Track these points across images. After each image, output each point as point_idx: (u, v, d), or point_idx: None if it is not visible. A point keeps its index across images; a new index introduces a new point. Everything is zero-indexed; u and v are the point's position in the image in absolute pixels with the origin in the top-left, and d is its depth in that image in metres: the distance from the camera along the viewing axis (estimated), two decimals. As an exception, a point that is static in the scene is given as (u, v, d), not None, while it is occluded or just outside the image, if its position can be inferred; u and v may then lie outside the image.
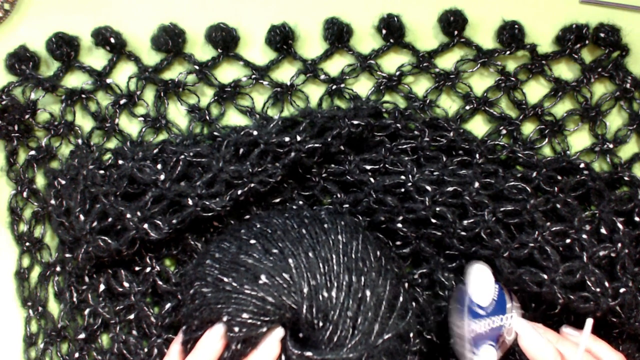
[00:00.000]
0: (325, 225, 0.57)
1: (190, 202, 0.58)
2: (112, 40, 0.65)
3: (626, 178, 0.63)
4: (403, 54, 0.68)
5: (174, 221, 0.58)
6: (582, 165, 0.63)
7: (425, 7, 0.68)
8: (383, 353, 0.54)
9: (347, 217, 0.61)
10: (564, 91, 0.67)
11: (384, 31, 0.67)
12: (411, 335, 0.56)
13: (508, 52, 0.67)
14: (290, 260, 0.54)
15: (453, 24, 0.67)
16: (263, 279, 0.53)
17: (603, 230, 0.59)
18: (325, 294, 0.53)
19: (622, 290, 0.57)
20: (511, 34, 0.67)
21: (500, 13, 0.68)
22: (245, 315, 0.53)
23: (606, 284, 0.56)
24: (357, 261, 0.55)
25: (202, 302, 0.55)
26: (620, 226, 0.59)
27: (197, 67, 0.66)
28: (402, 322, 0.55)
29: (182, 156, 0.60)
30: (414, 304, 0.59)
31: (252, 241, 0.56)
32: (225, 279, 0.54)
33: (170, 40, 0.65)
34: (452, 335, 0.58)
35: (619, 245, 0.58)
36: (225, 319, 0.53)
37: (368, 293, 0.54)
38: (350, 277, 0.54)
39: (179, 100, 0.66)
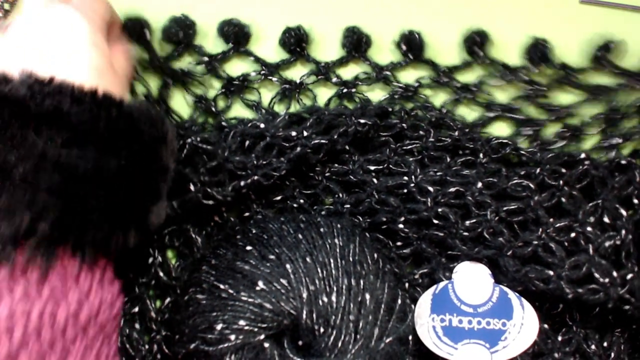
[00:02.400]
0: (322, 230, 0.56)
1: (192, 187, 0.58)
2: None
3: (623, 162, 0.62)
4: (422, 69, 0.67)
5: (175, 205, 0.58)
6: (582, 156, 0.62)
7: (447, 22, 0.67)
8: (384, 357, 0.53)
9: (344, 219, 0.60)
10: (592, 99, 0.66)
11: (403, 47, 0.66)
12: (410, 338, 0.56)
13: (536, 70, 0.66)
14: (288, 266, 0.53)
15: (477, 44, 0.66)
16: (260, 285, 0.52)
17: (606, 219, 0.58)
18: (325, 299, 0.52)
19: (629, 276, 0.56)
20: (541, 52, 0.66)
21: (500, 13, 0.68)
22: (242, 323, 0.52)
23: (614, 273, 0.56)
24: (355, 264, 0.54)
25: (196, 310, 0.54)
26: (624, 212, 0.58)
27: (206, 59, 0.65)
28: (401, 325, 0.55)
29: (190, 140, 0.59)
30: (413, 306, 0.58)
31: (248, 247, 0.55)
32: (222, 286, 0.53)
33: (181, 32, 0.64)
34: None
35: (623, 232, 0.57)
36: (219, 327, 0.52)
37: (368, 296, 0.53)
38: (349, 281, 0.53)
39: (186, 90, 0.65)
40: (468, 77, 0.67)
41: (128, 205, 0.49)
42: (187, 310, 0.55)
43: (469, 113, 0.67)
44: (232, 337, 0.52)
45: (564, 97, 0.67)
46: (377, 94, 0.67)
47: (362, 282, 0.54)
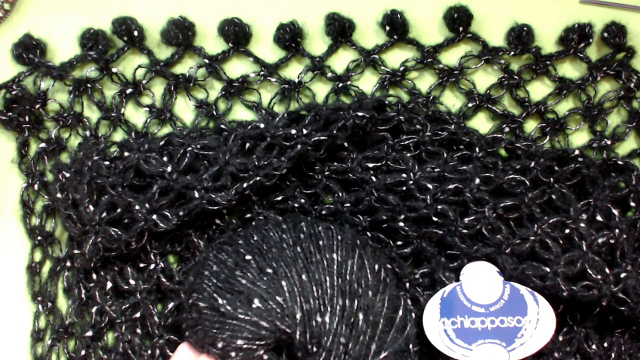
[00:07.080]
0: (321, 243, 0.55)
1: (196, 194, 0.57)
2: (136, 33, 0.63)
3: (620, 163, 0.61)
4: (407, 49, 0.66)
5: (181, 213, 0.57)
6: (576, 152, 0.61)
7: (430, 1, 0.66)
8: None
9: (346, 229, 0.59)
10: (568, 89, 0.65)
11: (387, 27, 0.65)
12: (411, 346, 0.55)
13: (512, 53, 0.65)
14: (284, 283, 0.53)
15: (457, 21, 0.64)
16: (256, 303, 0.52)
17: (599, 218, 0.57)
18: (319, 319, 0.52)
19: (622, 275, 0.55)
20: (518, 36, 0.65)
21: (499, 13, 0.66)
22: (239, 342, 0.52)
23: (607, 270, 0.55)
24: (352, 283, 0.54)
25: (198, 321, 0.54)
26: (616, 212, 0.57)
27: (206, 61, 0.64)
28: (401, 336, 0.54)
29: (190, 148, 0.58)
30: (413, 314, 0.57)
31: (248, 257, 0.55)
32: (220, 300, 0.53)
33: (180, 34, 0.63)
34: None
35: (617, 231, 0.56)
36: (220, 345, 0.52)
37: (361, 316, 0.53)
38: (344, 301, 0.53)
39: (188, 95, 0.64)
40: (452, 56, 0.67)
41: None
42: (191, 314, 0.55)
43: (453, 99, 0.67)
44: (233, 354, 0.53)
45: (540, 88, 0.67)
46: (368, 81, 0.66)
47: (357, 301, 0.53)
